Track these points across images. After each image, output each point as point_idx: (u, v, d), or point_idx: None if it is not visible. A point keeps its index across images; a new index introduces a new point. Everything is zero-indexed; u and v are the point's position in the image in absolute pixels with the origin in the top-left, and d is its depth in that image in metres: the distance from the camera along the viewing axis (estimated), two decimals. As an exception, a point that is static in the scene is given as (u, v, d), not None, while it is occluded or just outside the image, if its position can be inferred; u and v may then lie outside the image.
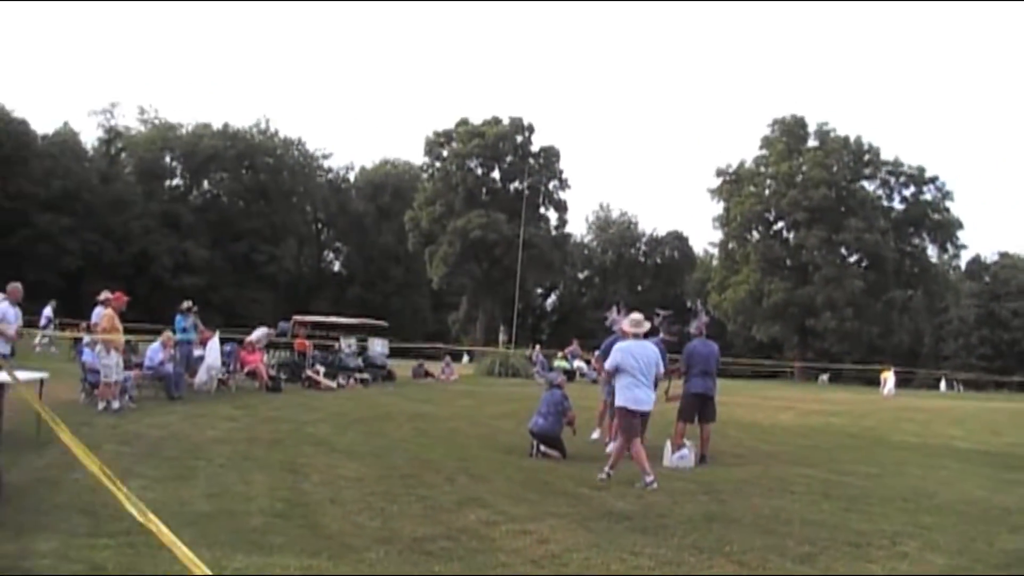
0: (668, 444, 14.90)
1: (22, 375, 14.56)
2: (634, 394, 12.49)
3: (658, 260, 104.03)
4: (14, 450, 10.93)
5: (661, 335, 16.37)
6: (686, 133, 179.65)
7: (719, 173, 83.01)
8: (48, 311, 33.35)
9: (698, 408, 15.45)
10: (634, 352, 12.63)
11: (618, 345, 13.06)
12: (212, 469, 11.59)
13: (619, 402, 12.68)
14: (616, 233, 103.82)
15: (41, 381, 14.52)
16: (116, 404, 17.62)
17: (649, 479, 12.13)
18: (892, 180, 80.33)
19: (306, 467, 12.20)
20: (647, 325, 13.39)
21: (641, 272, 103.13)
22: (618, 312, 17.10)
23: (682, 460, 14.58)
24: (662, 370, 13.18)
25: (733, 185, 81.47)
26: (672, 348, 16.51)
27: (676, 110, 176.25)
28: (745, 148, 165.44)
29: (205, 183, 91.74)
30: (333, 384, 27.63)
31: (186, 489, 10.36)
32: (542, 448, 14.94)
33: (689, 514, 10.38)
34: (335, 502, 9.88)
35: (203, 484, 10.59)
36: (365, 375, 30.82)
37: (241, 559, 7.47)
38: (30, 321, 30.10)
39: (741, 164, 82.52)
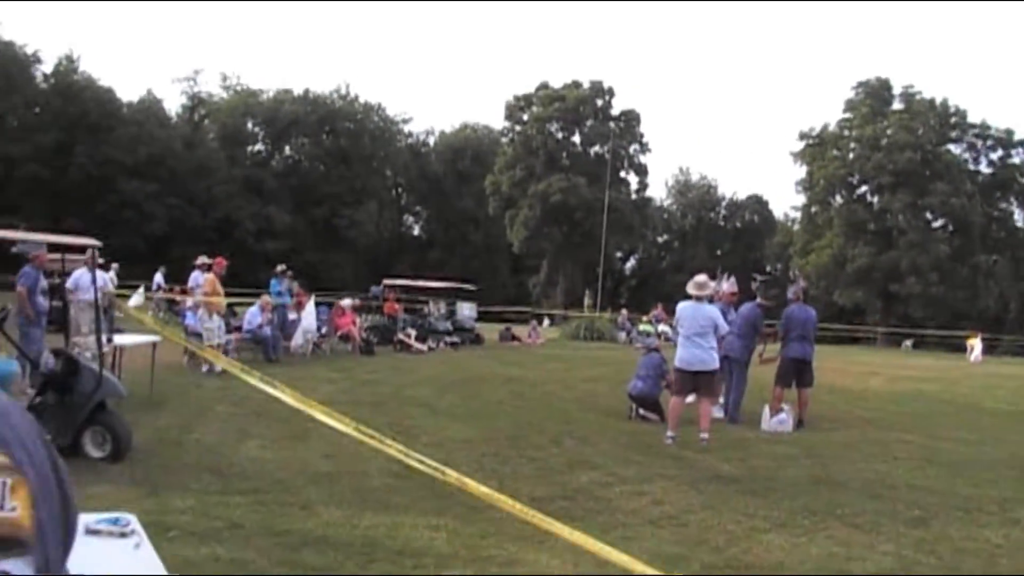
0: (766, 409, 14.97)
1: (135, 338, 15.00)
2: (680, 353, 13.02)
3: (738, 224, 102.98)
4: (132, 411, 11.22)
5: (758, 299, 16.45)
6: (767, 96, 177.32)
7: (802, 136, 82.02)
8: (159, 277, 33.98)
9: (796, 373, 15.52)
10: (687, 313, 13.01)
11: (680, 305, 13.41)
12: (323, 430, 11.70)
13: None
14: (696, 197, 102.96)
15: (154, 344, 14.91)
16: (218, 367, 18.00)
17: (671, 434, 12.66)
18: (979, 143, 78.89)
19: (414, 429, 12.44)
20: (711, 288, 13.74)
21: (721, 236, 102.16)
22: (719, 278, 17.22)
23: (780, 424, 14.65)
24: (724, 331, 13.35)
25: (816, 149, 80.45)
26: (770, 313, 16.57)
27: (757, 72, 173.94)
28: (828, 111, 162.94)
29: (287, 148, 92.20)
30: (424, 347, 27.82)
31: (303, 449, 10.64)
32: (641, 411, 15.10)
33: (795, 477, 10.49)
34: (449, 463, 10.00)
35: (318, 445, 10.84)
36: (454, 338, 31.10)
37: (370, 517, 7.72)
38: (126, 285, 30.79)
39: (824, 127, 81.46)
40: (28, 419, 1.20)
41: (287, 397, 5.87)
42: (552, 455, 11.12)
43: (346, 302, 27.32)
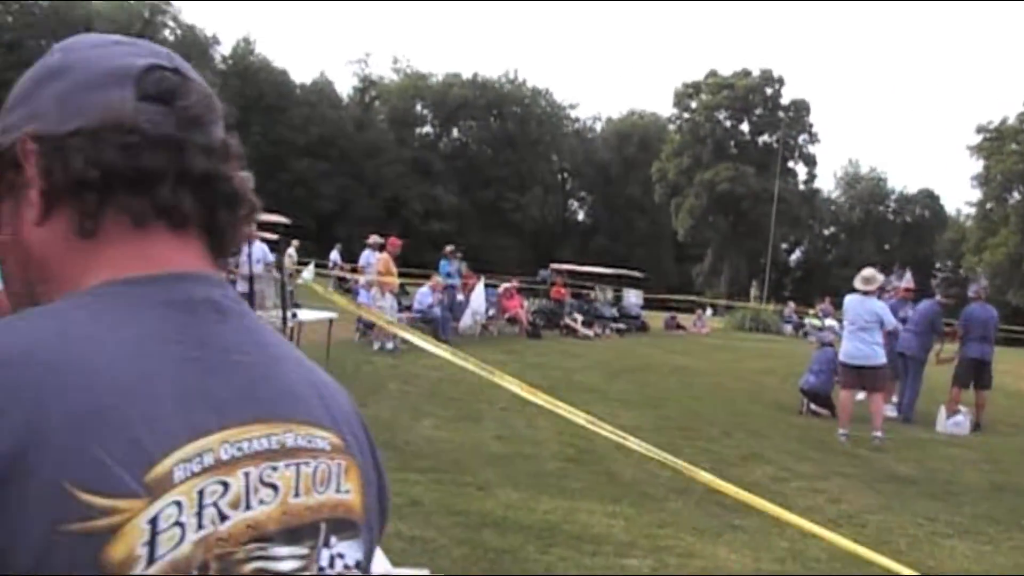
0: (942, 409, 14.64)
1: (314, 314, 15.34)
2: (845, 346, 12.95)
3: (907, 219, 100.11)
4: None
5: (937, 297, 16.10)
6: (941, 87, 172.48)
7: (979, 130, 79.46)
8: (335, 255, 34.64)
9: (974, 374, 15.14)
10: (853, 307, 12.94)
11: (846, 298, 13.34)
12: (495, 412, 11.93)
13: None
14: (864, 189, 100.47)
15: (331, 321, 15.23)
16: (390, 344, 18.29)
17: (843, 431, 12.41)
18: None
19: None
20: (879, 280, 13.44)
21: (889, 230, 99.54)
22: (895, 272, 16.95)
23: (957, 427, 14.31)
24: (890, 326, 13.14)
25: (994, 143, 77.87)
26: (949, 312, 16.20)
27: (932, 63, 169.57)
28: (1008, 104, 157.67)
29: (455, 131, 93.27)
30: (590, 333, 27.81)
31: (476, 430, 10.76)
32: (812, 406, 14.90)
33: (974, 482, 10.24)
34: (622, 450, 10.05)
35: (491, 426, 10.95)
36: (620, 325, 31.06)
37: (547, 501, 7.75)
38: (301, 262, 31.52)
39: (1004, 120, 78.84)
40: (350, 401, 1.23)
41: (513, 385, 5.91)
42: (725, 447, 11.05)
43: (511, 285, 27.52)
